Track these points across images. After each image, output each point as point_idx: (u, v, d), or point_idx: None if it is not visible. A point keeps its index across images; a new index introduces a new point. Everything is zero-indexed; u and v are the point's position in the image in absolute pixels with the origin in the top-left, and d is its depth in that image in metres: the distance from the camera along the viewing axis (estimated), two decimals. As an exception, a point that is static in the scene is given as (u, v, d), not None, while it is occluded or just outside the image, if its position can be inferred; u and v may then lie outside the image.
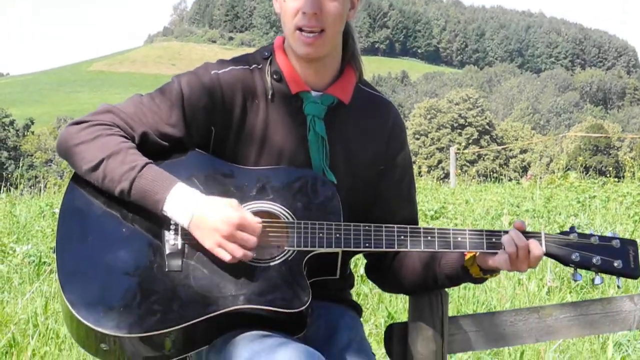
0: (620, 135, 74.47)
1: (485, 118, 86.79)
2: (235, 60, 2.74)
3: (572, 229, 2.65)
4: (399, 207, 2.85)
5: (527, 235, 2.60)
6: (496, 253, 2.59)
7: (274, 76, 2.69)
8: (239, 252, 2.43)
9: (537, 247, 2.57)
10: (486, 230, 2.62)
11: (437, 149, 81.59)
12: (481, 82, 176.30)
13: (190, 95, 2.61)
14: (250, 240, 2.45)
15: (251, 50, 2.89)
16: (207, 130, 2.65)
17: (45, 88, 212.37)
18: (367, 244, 2.58)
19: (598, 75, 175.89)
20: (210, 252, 2.46)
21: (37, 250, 7.83)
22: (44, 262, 7.47)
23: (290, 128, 2.69)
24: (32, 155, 72.30)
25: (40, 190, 15.72)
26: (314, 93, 2.70)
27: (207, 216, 2.44)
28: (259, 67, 2.72)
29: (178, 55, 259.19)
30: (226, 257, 2.44)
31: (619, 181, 16.51)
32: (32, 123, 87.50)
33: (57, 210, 3.01)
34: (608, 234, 2.64)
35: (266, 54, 2.74)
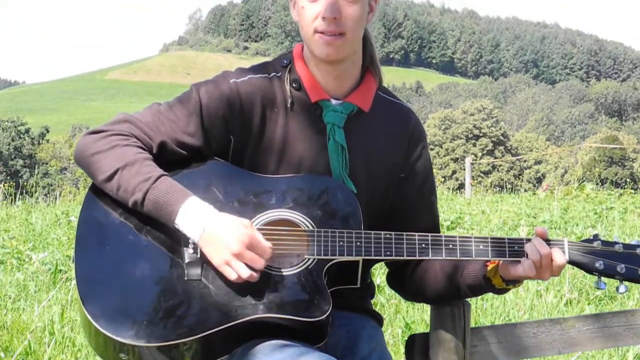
0: (636, 146, 74.20)
1: (500, 129, 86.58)
2: (254, 69, 2.71)
3: (595, 236, 2.62)
4: (420, 215, 2.82)
5: (550, 243, 2.57)
6: (519, 262, 2.55)
7: (294, 84, 2.66)
8: (246, 273, 2.39)
9: (560, 255, 2.54)
10: (508, 238, 2.59)
11: (451, 159, 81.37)
12: (496, 93, 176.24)
13: (209, 104, 2.59)
14: (258, 262, 2.41)
15: (267, 59, 2.86)
16: (225, 139, 2.62)
17: (60, 96, 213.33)
18: (387, 253, 2.54)
19: (613, 87, 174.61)
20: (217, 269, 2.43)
21: (53, 257, 7.82)
22: (60, 270, 7.46)
23: (309, 137, 2.67)
24: (47, 164, 72.55)
25: (56, 198, 15.75)
26: (333, 101, 2.67)
27: (217, 233, 2.41)
28: (278, 75, 2.69)
29: (193, 64, 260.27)
30: (232, 275, 2.40)
31: (635, 192, 16.47)
32: (48, 131, 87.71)
33: (73, 218, 3.01)
34: (632, 242, 2.61)
35: (285, 62, 2.72)
